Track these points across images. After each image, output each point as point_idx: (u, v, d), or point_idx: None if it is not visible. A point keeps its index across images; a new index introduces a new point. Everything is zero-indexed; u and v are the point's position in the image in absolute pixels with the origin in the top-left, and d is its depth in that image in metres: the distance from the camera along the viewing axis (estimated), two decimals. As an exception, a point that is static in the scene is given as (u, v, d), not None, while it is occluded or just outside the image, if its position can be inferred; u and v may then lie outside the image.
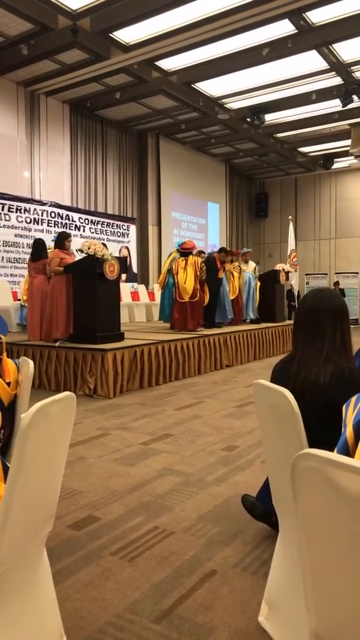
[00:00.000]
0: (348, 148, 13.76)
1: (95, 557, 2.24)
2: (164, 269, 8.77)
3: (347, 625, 1.08)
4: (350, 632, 1.07)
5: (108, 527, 2.53)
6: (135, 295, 11.98)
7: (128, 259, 12.85)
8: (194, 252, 8.17)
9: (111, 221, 12.66)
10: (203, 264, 8.03)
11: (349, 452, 1.20)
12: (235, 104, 11.78)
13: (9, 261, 10.19)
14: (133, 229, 13.36)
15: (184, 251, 8.10)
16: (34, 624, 1.52)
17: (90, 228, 11.96)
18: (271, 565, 1.86)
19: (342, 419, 1.31)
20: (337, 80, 10.42)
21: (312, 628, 1.14)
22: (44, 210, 10.81)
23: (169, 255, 8.89)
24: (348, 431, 1.23)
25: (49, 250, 6.94)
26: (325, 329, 1.85)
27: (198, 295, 7.84)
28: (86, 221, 11.89)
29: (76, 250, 6.65)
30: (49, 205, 10.92)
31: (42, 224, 10.74)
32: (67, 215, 11.39)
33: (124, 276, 10.37)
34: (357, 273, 17.04)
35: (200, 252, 9.59)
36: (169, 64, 9.69)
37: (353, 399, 1.31)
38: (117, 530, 2.49)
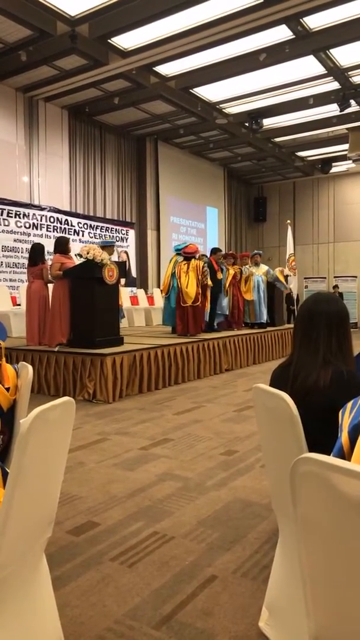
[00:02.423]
0: (346, 152, 13.82)
1: (94, 562, 2.23)
2: (167, 273, 8.76)
3: (347, 630, 1.07)
4: (350, 637, 1.07)
5: (107, 532, 2.52)
6: (134, 300, 11.99)
7: (127, 263, 12.86)
8: (197, 256, 8.14)
9: (110, 226, 12.67)
10: (205, 269, 8.01)
11: (344, 457, 1.20)
12: (233, 109, 11.83)
13: (8, 266, 10.20)
14: (132, 233, 13.39)
15: (187, 255, 8.08)
16: (33, 631, 1.51)
17: (89, 233, 11.98)
18: (271, 570, 1.86)
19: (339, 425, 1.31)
20: (335, 85, 10.47)
21: (312, 633, 1.14)
22: (43, 215, 10.83)
23: (171, 260, 8.89)
24: (343, 437, 1.23)
25: (50, 257, 6.92)
26: (322, 333, 1.85)
27: (200, 300, 7.83)
28: (85, 226, 11.91)
29: (75, 255, 6.65)
30: (48, 210, 10.94)
31: (41, 229, 10.76)
32: (66, 220, 11.40)
33: (123, 281, 10.37)
34: (355, 277, 17.07)
35: (202, 256, 9.59)
36: (167, 69, 9.73)
37: (349, 404, 1.31)
38: (117, 536, 2.48)
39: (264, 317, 9.80)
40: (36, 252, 6.98)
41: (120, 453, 3.83)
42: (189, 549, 2.35)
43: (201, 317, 7.99)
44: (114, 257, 8.41)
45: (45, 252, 7.14)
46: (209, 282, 8.27)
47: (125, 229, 13.17)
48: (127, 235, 13.19)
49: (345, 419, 1.27)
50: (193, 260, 7.95)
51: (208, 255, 9.30)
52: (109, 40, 8.52)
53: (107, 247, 7.94)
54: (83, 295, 6.19)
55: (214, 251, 8.98)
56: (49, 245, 8.11)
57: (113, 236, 12.71)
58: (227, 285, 9.00)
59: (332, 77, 10.08)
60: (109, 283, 6.22)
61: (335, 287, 16.59)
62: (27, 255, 9.06)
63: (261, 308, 9.79)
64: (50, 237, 10.41)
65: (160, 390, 6.40)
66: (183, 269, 7.89)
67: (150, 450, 3.88)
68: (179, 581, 2.08)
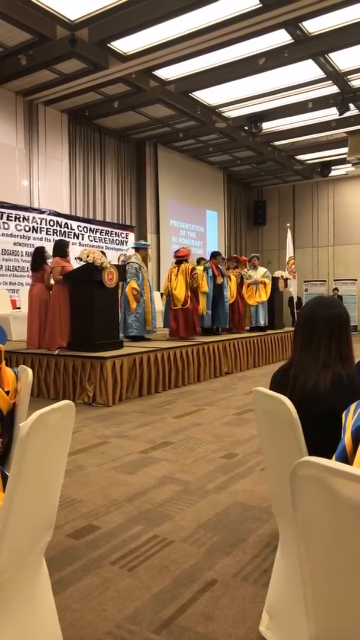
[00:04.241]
0: (345, 156, 13.84)
1: (94, 566, 2.23)
2: (167, 276, 8.80)
3: (348, 633, 1.07)
4: (351, 641, 1.07)
5: (107, 536, 2.52)
6: (134, 303, 11.96)
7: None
8: (188, 260, 8.13)
9: (110, 229, 12.69)
10: (195, 272, 8.00)
11: (347, 459, 1.20)
12: (232, 113, 11.86)
13: (8, 269, 10.21)
14: (132, 236, 13.40)
15: (178, 258, 8.13)
16: (33, 634, 1.51)
17: (89, 236, 11.99)
18: (272, 574, 1.85)
19: (341, 426, 1.31)
20: (334, 89, 10.49)
21: (312, 637, 1.14)
22: (43, 219, 10.84)
23: (171, 264, 8.94)
24: (346, 438, 1.23)
25: (49, 261, 6.90)
26: (322, 337, 1.85)
27: (189, 302, 7.79)
28: (85, 229, 11.92)
29: (75, 259, 6.66)
30: (48, 214, 10.95)
31: (41, 232, 10.77)
32: (66, 223, 11.41)
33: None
34: (355, 280, 17.07)
35: (201, 259, 9.60)
36: (167, 73, 9.75)
37: (353, 406, 1.31)
38: (117, 540, 2.47)
39: (261, 321, 9.79)
40: (36, 256, 6.99)
41: (120, 456, 3.82)
42: (189, 552, 2.34)
43: (192, 320, 7.88)
44: (114, 261, 8.42)
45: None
46: (203, 287, 8.29)
47: (125, 232, 13.18)
48: (126, 238, 13.19)
49: (349, 421, 1.27)
50: (184, 263, 7.98)
51: (208, 259, 9.30)
52: (108, 45, 8.54)
53: (141, 249, 7.94)
54: (83, 298, 6.19)
55: (214, 255, 8.98)
56: (49, 249, 8.11)
57: (113, 239, 12.73)
58: (234, 294, 9.02)
59: (331, 81, 10.11)
60: (108, 286, 6.22)
61: (335, 290, 16.60)
62: (27, 258, 9.07)
63: (258, 312, 9.80)
64: (50, 241, 10.42)
65: (160, 394, 6.39)
66: (174, 272, 7.97)
67: (150, 454, 3.88)
68: (179, 585, 2.07)
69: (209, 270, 8.56)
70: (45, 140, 11.16)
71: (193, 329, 7.88)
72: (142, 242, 9.03)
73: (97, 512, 2.80)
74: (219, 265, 8.84)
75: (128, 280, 7.45)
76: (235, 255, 10.79)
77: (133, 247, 8.23)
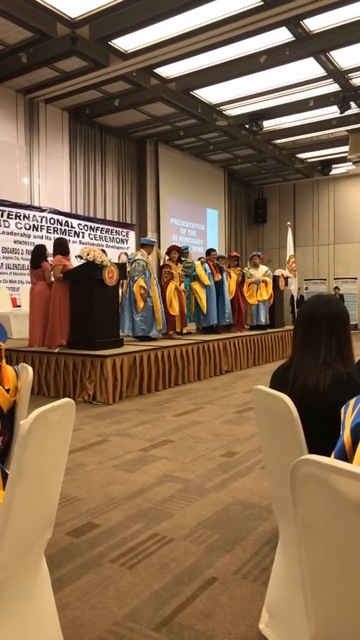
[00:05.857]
0: (346, 154, 13.83)
1: (94, 564, 2.23)
2: None
3: (347, 631, 1.07)
4: (350, 638, 1.07)
5: (107, 534, 2.52)
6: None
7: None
8: (170, 255, 8.09)
9: (110, 227, 12.68)
10: (169, 269, 7.93)
11: (346, 456, 1.20)
12: (233, 111, 11.85)
13: (8, 267, 10.20)
14: (132, 235, 13.39)
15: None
16: (33, 632, 1.51)
17: (89, 234, 11.98)
18: (271, 572, 1.85)
19: (340, 424, 1.31)
20: (335, 87, 10.48)
21: (312, 635, 1.14)
22: (43, 217, 10.83)
23: None
24: (345, 435, 1.23)
25: (50, 259, 6.90)
26: (322, 335, 1.85)
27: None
28: (85, 227, 11.91)
29: (75, 257, 6.65)
30: (48, 212, 10.94)
31: (41, 231, 10.76)
32: (67, 221, 11.41)
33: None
34: (355, 278, 17.07)
35: (200, 258, 9.61)
36: (168, 71, 9.74)
37: (352, 402, 1.31)
38: (117, 538, 2.48)
39: (262, 319, 9.79)
40: (37, 253, 6.98)
41: (120, 454, 3.83)
42: (189, 550, 2.34)
43: (165, 319, 7.68)
44: (114, 259, 8.40)
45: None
46: (205, 280, 8.31)
47: (125, 230, 13.17)
48: (127, 236, 13.19)
49: (348, 417, 1.27)
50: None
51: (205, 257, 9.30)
52: (109, 42, 8.53)
53: (147, 246, 7.89)
54: (83, 296, 6.19)
55: (208, 252, 8.99)
56: (49, 247, 8.11)
57: (113, 238, 12.72)
58: (233, 291, 9.03)
59: (332, 79, 10.10)
60: (109, 284, 6.22)
61: (336, 288, 16.60)
62: (27, 256, 9.06)
63: (259, 310, 9.79)
64: (50, 239, 10.40)
65: (160, 392, 6.39)
66: None
67: (150, 452, 3.88)
68: (179, 583, 2.08)
69: (205, 265, 8.57)
70: (45, 138, 11.15)
71: (166, 330, 7.70)
72: (150, 238, 8.99)
73: (97, 510, 2.81)
74: (217, 263, 8.84)
75: (135, 278, 7.26)
76: (235, 253, 10.80)
77: (141, 243, 8.11)
